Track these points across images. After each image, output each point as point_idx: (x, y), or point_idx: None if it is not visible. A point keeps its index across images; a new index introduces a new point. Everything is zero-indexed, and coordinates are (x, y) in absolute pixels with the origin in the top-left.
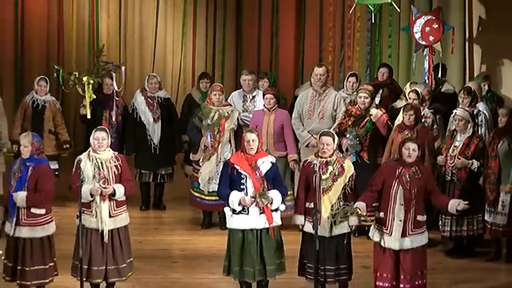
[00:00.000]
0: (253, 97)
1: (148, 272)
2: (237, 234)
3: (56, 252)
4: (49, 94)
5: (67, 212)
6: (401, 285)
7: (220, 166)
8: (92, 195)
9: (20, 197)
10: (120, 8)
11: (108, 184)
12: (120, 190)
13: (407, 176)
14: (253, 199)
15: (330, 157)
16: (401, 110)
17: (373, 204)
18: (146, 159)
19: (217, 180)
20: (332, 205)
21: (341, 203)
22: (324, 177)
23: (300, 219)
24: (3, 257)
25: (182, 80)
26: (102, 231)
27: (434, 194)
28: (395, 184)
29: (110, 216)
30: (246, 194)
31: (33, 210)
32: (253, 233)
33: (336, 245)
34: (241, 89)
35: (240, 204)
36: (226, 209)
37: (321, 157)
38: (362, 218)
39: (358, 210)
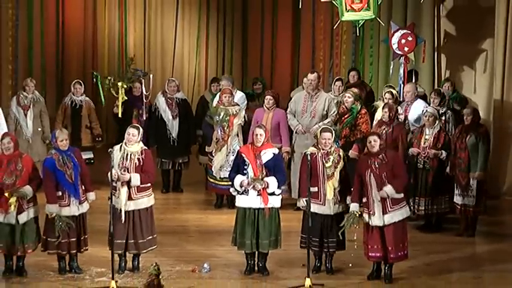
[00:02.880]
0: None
1: (168, 245)
2: (241, 211)
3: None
4: (84, 95)
5: (99, 194)
6: (390, 255)
7: (230, 156)
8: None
9: (136, 177)
10: (145, 24)
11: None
12: (136, 178)
13: (376, 164)
14: (251, 182)
15: (330, 149)
16: (381, 108)
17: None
18: (166, 150)
19: (228, 168)
20: (335, 189)
21: (340, 185)
22: (327, 165)
23: (302, 201)
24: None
25: (197, 83)
26: (121, 210)
27: (396, 176)
28: (368, 172)
29: (131, 199)
30: (247, 178)
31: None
32: (251, 211)
33: (336, 221)
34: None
35: (241, 185)
36: (231, 189)
37: (323, 149)
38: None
39: (356, 213)
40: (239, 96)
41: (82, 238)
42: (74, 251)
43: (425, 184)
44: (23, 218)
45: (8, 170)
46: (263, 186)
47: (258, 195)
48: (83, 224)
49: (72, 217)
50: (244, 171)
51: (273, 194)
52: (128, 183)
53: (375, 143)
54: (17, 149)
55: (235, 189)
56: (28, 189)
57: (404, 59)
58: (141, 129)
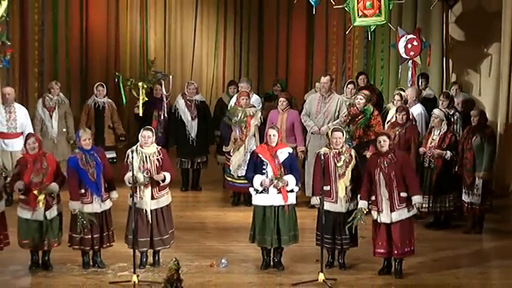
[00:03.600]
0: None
1: (188, 240)
2: (260, 209)
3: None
4: (107, 97)
5: (121, 192)
6: (395, 251)
7: (247, 155)
8: (130, 183)
9: (168, 176)
10: (165, 28)
11: (150, 175)
12: (168, 176)
13: (385, 163)
14: (272, 182)
15: (341, 148)
16: (394, 110)
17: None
18: (185, 149)
19: (245, 167)
20: (346, 187)
21: (352, 184)
22: (338, 164)
23: (316, 200)
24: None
25: (215, 86)
26: (146, 210)
27: (408, 178)
28: (377, 171)
29: (154, 198)
30: (267, 177)
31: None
32: (271, 209)
33: (347, 219)
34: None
35: (261, 185)
36: (251, 189)
37: (334, 148)
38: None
39: (364, 210)
40: (254, 99)
41: (105, 234)
42: (97, 247)
43: (430, 182)
44: (51, 214)
45: (34, 169)
46: (284, 184)
47: (278, 193)
48: (105, 221)
49: (95, 214)
50: (263, 171)
51: (291, 191)
52: (157, 182)
53: (384, 143)
54: (41, 148)
55: (255, 189)
56: (55, 186)
57: (412, 62)
58: (153, 131)
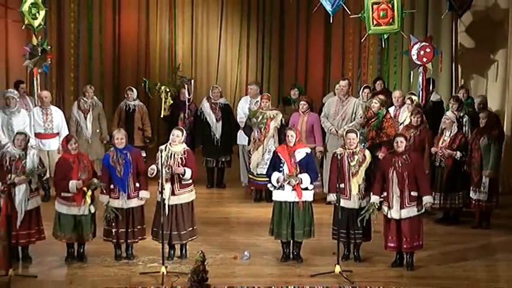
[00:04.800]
0: (256, 101)
1: (212, 234)
2: (277, 204)
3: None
4: (138, 100)
5: (150, 189)
6: (404, 245)
7: (265, 155)
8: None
9: (189, 172)
10: (192, 36)
11: (171, 171)
12: (188, 172)
13: (400, 163)
14: (286, 179)
15: (355, 148)
16: (409, 113)
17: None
18: (210, 149)
19: (264, 166)
20: (359, 185)
21: (365, 182)
22: (352, 164)
23: (332, 196)
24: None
25: (238, 89)
26: (164, 204)
27: (419, 179)
28: (391, 170)
29: (174, 195)
30: (283, 175)
31: (136, 184)
32: (287, 205)
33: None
34: (247, 95)
35: (277, 181)
36: (269, 185)
37: (348, 149)
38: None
39: (376, 205)
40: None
41: (130, 230)
42: (122, 240)
43: (441, 180)
44: (92, 208)
45: (80, 167)
46: (297, 182)
47: (292, 190)
48: (132, 217)
49: (121, 209)
50: (280, 169)
51: (306, 189)
52: (179, 177)
53: (401, 143)
54: (80, 147)
55: (272, 185)
56: (98, 181)
57: (422, 68)
58: (184, 132)
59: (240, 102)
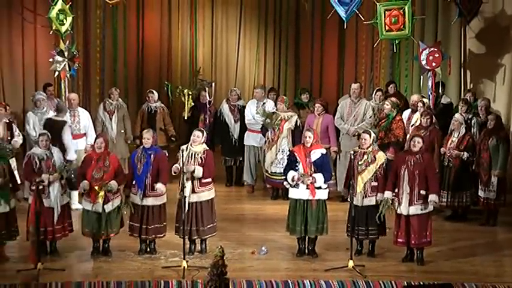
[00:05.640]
0: (263, 104)
1: (231, 230)
2: (293, 202)
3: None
4: (159, 102)
5: (173, 187)
6: (412, 241)
7: (279, 155)
8: (175, 172)
9: (199, 170)
10: (212, 42)
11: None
12: (199, 170)
13: (412, 161)
14: (300, 178)
15: (367, 148)
16: (420, 115)
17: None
18: (229, 149)
19: (277, 164)
20: (365, 184)
21: (372, 183)
22: (360, 162)
23: (345, 192)
24: (128, 220)
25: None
26: (185, 201)
27: (429, 179)
28: (403, 167)
29: (194, 192)
30: (298, 174)
31: (155, 185)
32: (301, 202)
33: (366, 212)
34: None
35: (292, 180)
36: (285, 183)
37: (361, 148)
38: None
39: (390, 200)
40: (269, 104)
41: (144, 227)
42: (142, 236)
43: (449, 180)
44: (109, 207)
45: (97, 166)
46: (311, 181)
47: (307, 188)
48: (147, 215)
49: (137, 205)
50: (296, 168)
51: (319, 188)
52: (192, 175)
53: (418, 144)
54: (107, 148)
55: (288, 183)
56: (114, 184)
57: (431, 73)
58: (204, 132)
59: (247, 105)
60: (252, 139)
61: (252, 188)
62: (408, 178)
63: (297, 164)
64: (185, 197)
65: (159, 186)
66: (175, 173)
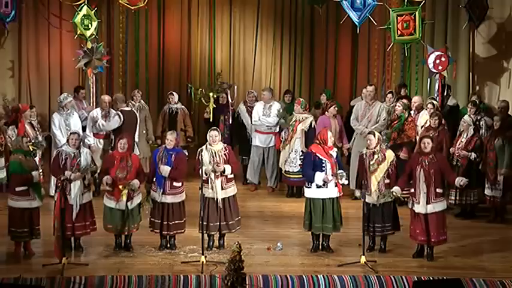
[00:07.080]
0: (270, 106)
1: (249, 227)
2: (312, 201)
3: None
4: (180, 103)
5: (192, 185)
6: (432, 240)
7: (292, 154)
8: (206, 174)
9: (165, 169)
10: (230, 46)
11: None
12: (228, 168)
13: (426, 162)
14: (334, 177)
15: (375, 148)
16: (429, 116)
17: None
18: (247, 148)
19: (290, 164)
20: (378, 182)
21: (386, 180)
22: (371, 162)
23: (357, 192)
24: (149, 217)
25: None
26: (217, 199)
27: (446, 173)
28: (419, 168)
29: (222, 189)
30: (326, 174)
31: (174, 183)
32: (327, 201)
33: (381, 210)
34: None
35: (323, 181)
36: (311, 184)
37: (368, 149)
38: (399, 195)
39: (395, 193)
40: (276, 106)
41: (165, 223)
42: (163, 232)
43: None
44: (131, 204)
45: (120, 166)
46: (345, 177)
47: (335, 186)
48: (167, 212)
49: (156, 202)
50: (323, 168)
51: (343, 184)
52: (221, 173)
53: (428, 144)
54: (129, 149)
55: (316, 184)
56: (136, 183)
57: (439, 76)
58: (219, 131)
59: (254, 107)
60: (258, 140)
61: (255, 187)
62: (424, 177)
63: (323, 165)
64: (203, 195)
65: (175, 184)
66: (206, 174)
